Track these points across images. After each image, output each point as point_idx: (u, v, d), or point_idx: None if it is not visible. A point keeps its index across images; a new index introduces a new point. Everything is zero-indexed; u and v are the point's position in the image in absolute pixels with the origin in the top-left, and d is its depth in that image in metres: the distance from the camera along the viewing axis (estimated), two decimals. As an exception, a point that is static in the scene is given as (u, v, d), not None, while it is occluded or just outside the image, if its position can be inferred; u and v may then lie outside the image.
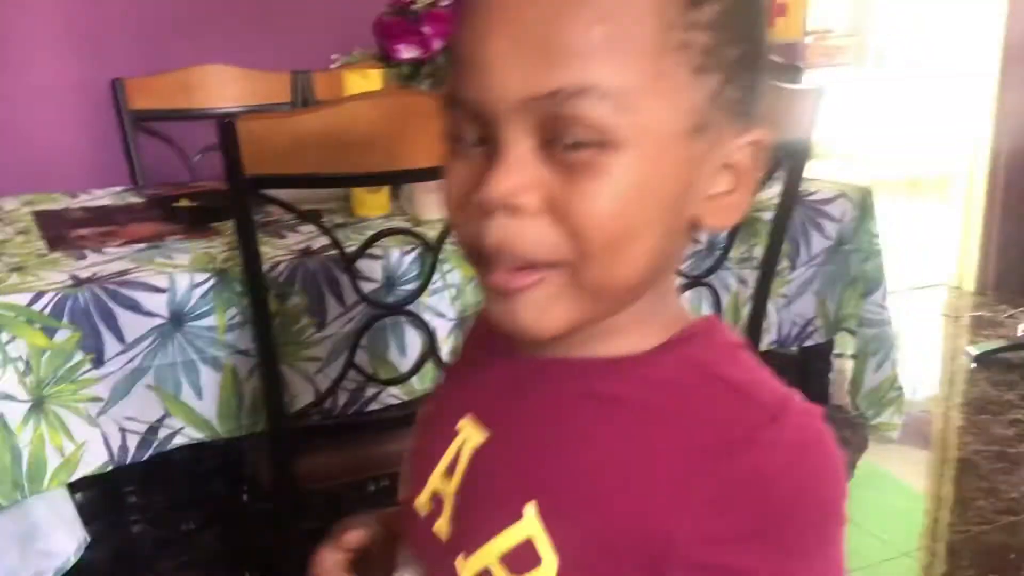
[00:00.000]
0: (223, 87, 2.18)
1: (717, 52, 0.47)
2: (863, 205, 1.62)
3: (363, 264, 1.23)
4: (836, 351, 1.74)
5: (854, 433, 2.41)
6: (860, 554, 1.93)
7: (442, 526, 0.57)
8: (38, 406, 1.10)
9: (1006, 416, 2.55)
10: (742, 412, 0.48)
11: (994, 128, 3.51)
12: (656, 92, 0.46)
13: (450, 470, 0.57)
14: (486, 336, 0.59)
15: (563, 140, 0.46)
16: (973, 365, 2.91)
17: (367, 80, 1.47)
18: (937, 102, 4.36)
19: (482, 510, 0.53)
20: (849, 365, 1.75)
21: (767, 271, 1.44)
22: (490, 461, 0.55)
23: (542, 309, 0.50)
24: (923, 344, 3.16)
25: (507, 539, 0.50)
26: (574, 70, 0.45)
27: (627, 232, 0.48)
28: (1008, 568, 1.90)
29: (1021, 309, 3.35)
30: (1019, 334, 3.10)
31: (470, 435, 0.57)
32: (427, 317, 1.28)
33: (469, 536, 0.53)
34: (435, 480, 0.58)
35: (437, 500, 0.58)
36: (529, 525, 0.50)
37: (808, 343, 1.63)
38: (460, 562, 0.53)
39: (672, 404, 0.50)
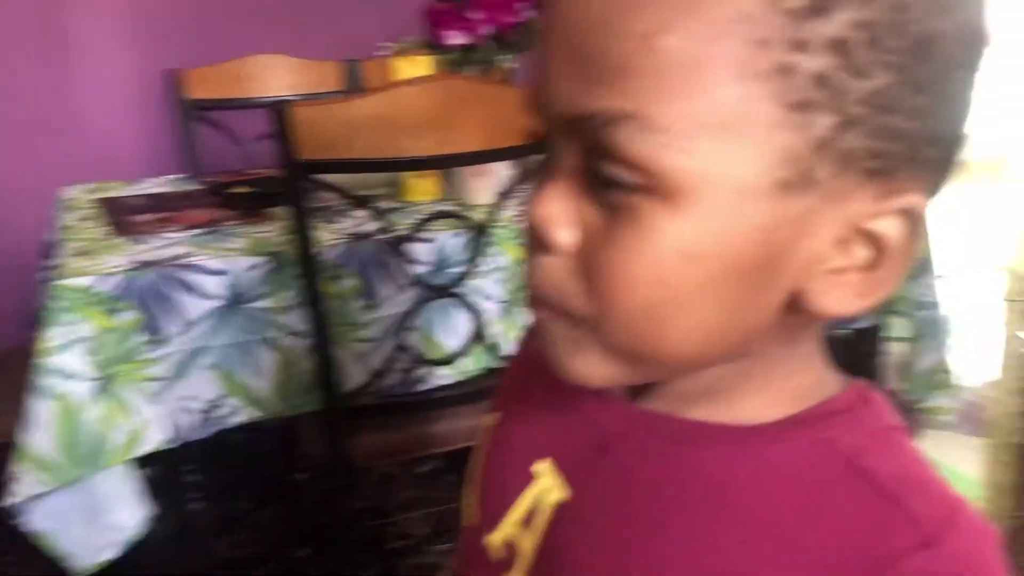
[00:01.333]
0: (276, 76, 2.21)
1: (836, 82, 0.34)
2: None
3: (413, 247, 1.26)
4: (888, 333, 1.72)
5: (907, 418, 2.38)
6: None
7: None
8: (103, 385, 1.14)
9: (1064, 402, 2.50)
10: (888, 526, 0.38)
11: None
12: (730, 130, 0.34)
13: (527, 521, 0.51)
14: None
15: (603, 175, 0.37)
16: (1030, 350, 2.85)
17: (416, 67, 1.48)
18: (989, 84, 4.24)
19: None
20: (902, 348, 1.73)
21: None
22: (574, 527, 0.48)
23: (566, 352, 0.41)
24: (980, 329, 3.09)
25: None
26: (616, 91, 0.35)
27: (666, 302, 0.37)
28: (1067, 554, 1.87)
29: (1082, 293, 3.27)
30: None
31: (549, 487, 0.50)
32: (475, 299, 1.30)
33: None
34: (510, 526, 0.52)
35: (511, 548, 0.52)
36: None
37: (859, 325, 1.62)
38: None
39: (797, 500, 0.40)
